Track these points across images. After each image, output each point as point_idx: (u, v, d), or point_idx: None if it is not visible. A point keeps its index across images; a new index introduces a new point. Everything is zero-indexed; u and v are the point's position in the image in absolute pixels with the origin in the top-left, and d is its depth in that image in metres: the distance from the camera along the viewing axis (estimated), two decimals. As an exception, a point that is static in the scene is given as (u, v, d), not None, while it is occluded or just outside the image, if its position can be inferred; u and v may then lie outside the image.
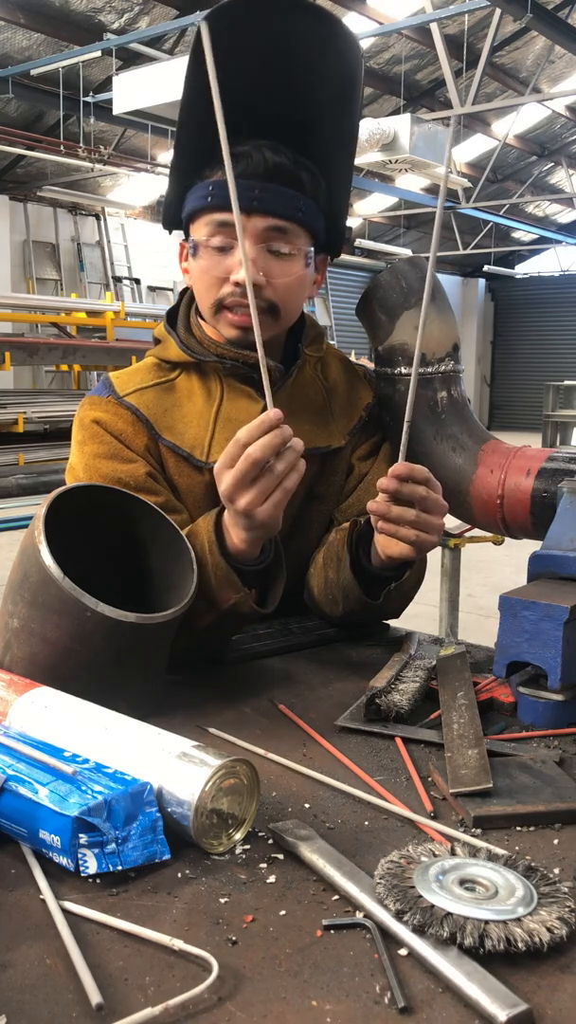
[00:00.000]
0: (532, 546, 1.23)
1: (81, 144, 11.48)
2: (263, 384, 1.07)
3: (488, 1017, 0.59)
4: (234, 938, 0.67)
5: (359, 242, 17.27)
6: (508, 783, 0.90)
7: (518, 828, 0.84)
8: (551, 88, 14.18)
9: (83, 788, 0.76)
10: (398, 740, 1.03)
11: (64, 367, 13.13)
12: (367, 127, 8.85)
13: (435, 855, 0.74)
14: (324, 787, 0.91)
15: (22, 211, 14.71)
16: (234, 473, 1.05)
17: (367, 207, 18.11)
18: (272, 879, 0.75)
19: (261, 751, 0.98)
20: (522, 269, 23.60)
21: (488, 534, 3.24)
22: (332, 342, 1.53)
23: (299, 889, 0.74)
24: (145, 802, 0.77)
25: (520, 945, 0.64)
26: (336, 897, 0.72)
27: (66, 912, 0.70)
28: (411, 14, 11.01)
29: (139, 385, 1.37)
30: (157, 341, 1.44)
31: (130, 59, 10.75)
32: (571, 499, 1.23)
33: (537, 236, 19.55)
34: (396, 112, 11.97)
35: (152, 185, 15.17)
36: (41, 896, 0.72)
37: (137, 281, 16.31)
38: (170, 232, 1.42)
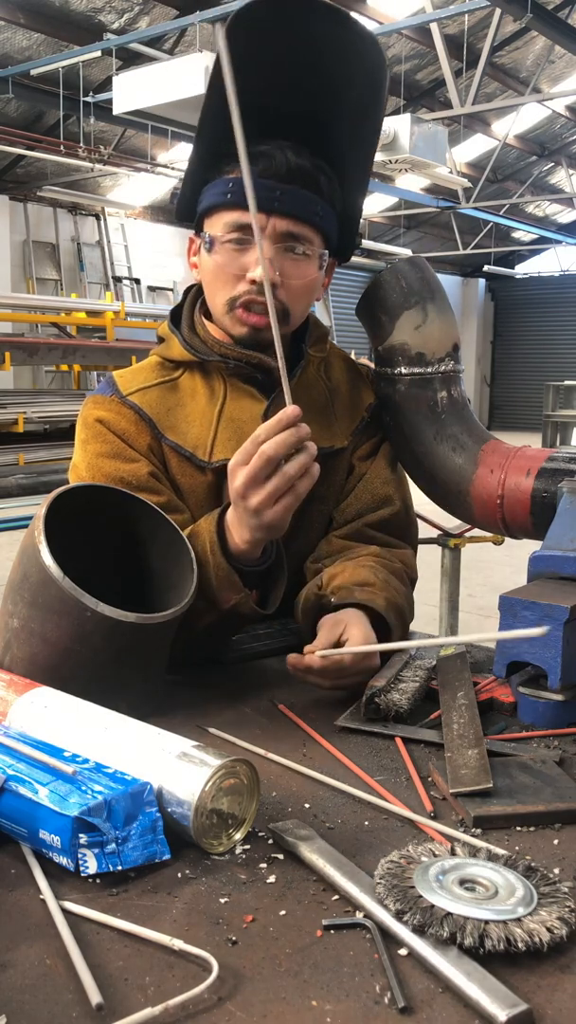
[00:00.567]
0: (532, 546, 1.23)
1: (81, 144, 11.47)
2: (281, 381, 1.07)
3: (488, 1017, 0.59)
4: (234, 938, 0.67)
5: (359, 242, 17.22)
6: (508, 783, 0.90)
7: (518, 828, 0.84)
8: (551, 88, 14.18)
9: (83, 788, 0.76)
10: (398, 740, 1.03)
11: (64, 367, 13.12)
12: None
13: (435, 855, 0.74)
14: (324, 787, 0.91)
15: (22, 211, 14.71)
16: (248, 470, 1.05)
17: (367, 207, 18.08)
18: (272, 879, 0.75)
19: (261, 751, 0.98)
20: (522, 269, 23.60)
21: (488, 534, 3.24)
22: (332, 342, 1.53)
23: (299, 889, 0.74)
24: (145, 802, 0.77)
25: (520, 945, 0.64)
26: (336, 897, 0.72)
27: (66, 912, 0.70)
28: (411, 14, 11.00)
29: (142, 384, 1.37)
30: (162, 339, 1.44)
31: (130, 59, 10.75)
32: (571, 499, 1.23)
33: (537, 236, 19.55)
34: (396, 112, 11.95)
35: (152, 185, 15.17)
36: (41, 896, 0.72)
37: (137, 281, 16.29)
38: (181, 223, 1.40)
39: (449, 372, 1.42)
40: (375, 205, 18.11)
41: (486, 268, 21.15)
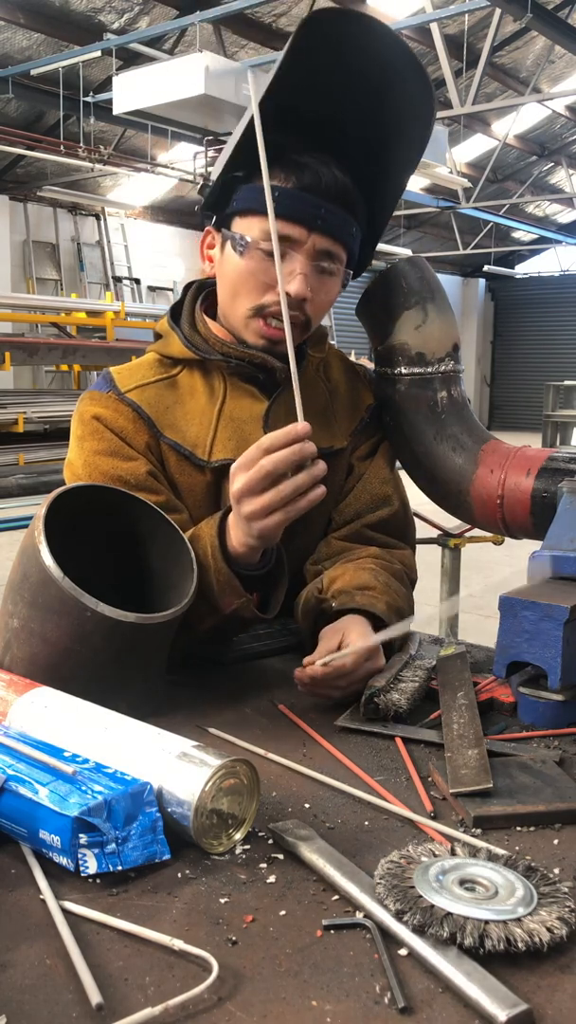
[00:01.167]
0: (532, 546, 1.23)
1: (81, 144, 11.46)
2: (294, 395, 1.06)
3: (488, 1017, 0.59)
4: (234, 938, 0.67)
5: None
6: (508, 783, 0.90)
7: (518, 828, 0.84)
8: (551, 88, 14.17)
9: (83, 788, 0.76)
10: (398, 740, 1.03)
11: (64, 367, 13.13)
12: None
13: (435, 855, 0.74)
14: (324, 787, 0.91)
15: (22, 211, 14.70)
16: (246, 479, 1.05)
17: (367, 207, 18.06)
18: (272, 879, 0.75)
19: (261, 751, 0.98)
20: (522, 269, 23.59)
21: (488, 534, 3.24)
22: (332, 342, 1.53)
23: (299, 889, 0.74)
24: (145, 802, 0.77)
25: (520, 945, 0.64)
26: (336, 897, 0.72)
27: (66, 912, 0.70)
28: (411, 14, 10.99)
29: (140, 381, 1.36)
30: (158, 336, 1.42)
31: (130, 59, 10.75)
32: (571, 499, 1.23)
33: (537, 236, 19.54)
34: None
35: (152, 185, 15.16)
36: (41, 896, 0.72)
37: (137, 281, 16.29)
38: (205, 212, 1.36)
39: (449, 372, 1.42)
40: (375, 205, 18.08)
41: (486, 268, 21.14)
